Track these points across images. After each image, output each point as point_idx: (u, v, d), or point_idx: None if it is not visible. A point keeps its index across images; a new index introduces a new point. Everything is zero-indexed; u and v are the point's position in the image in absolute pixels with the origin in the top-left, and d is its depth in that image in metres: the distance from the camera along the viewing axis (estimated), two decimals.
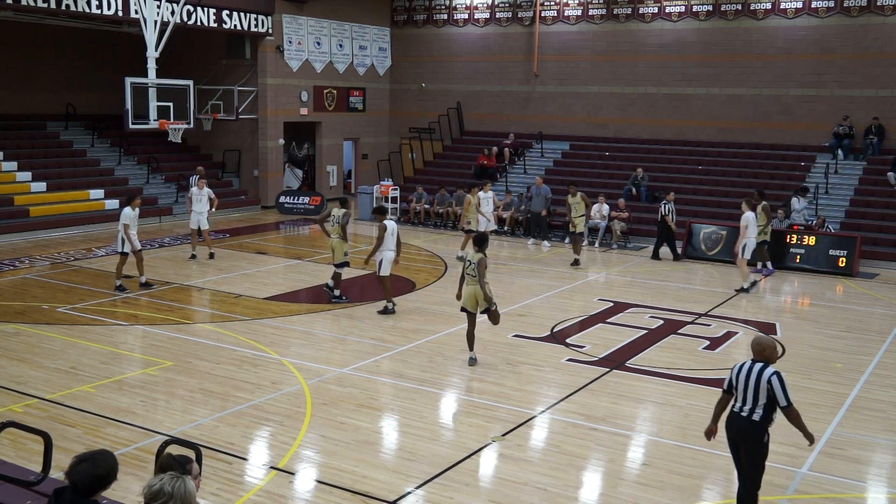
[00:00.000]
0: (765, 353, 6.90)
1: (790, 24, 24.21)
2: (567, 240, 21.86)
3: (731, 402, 6.98)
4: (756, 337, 7.16)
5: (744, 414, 6.81)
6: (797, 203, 20.57)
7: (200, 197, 18.57)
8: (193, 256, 18.54)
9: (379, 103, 31.24)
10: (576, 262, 18.83)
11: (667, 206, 19.81)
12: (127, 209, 15.29)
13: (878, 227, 20.81)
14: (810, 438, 6.96)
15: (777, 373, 6.78)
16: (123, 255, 15.30)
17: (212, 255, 18.57)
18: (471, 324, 11.55)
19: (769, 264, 18.54)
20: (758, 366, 6.82)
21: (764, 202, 18.45)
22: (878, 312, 15.47)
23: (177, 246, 20.25)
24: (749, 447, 6.84)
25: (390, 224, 14.28)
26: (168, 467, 4.68)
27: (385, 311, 14.20)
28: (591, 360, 11.91)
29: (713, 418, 7.20)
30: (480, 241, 11.53)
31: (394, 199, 25.97)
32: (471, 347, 11.63)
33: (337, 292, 14.97)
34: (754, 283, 17.08)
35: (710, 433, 7.23)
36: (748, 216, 16.65)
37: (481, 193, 19.44)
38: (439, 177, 27.30)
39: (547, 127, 27.94)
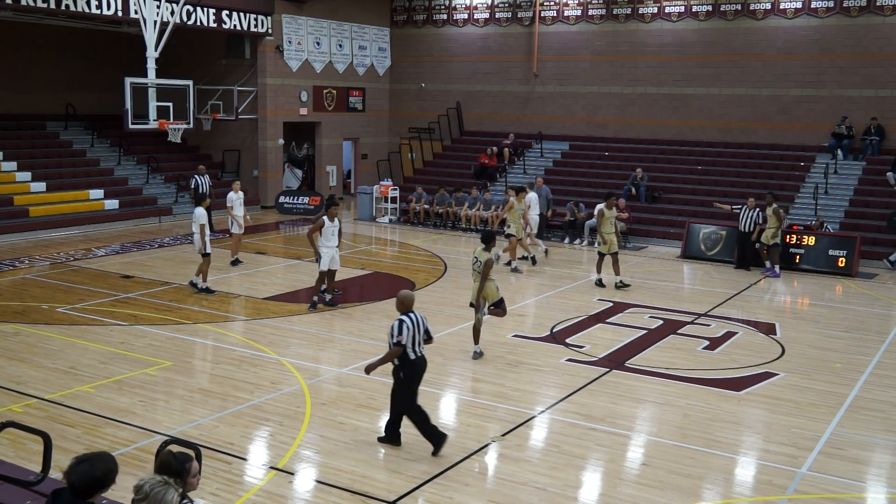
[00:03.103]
0: (412, 304, 8.58)
1: (790, 24, 24.21)
2: (577, 242, 21.90)
3: (408, 351, 8.38)
4: (399, 294, 8.66)
5: (423, 353, 8.60)
6: None
7: (241, 201, 18.02)
8: (238, 262, 18.05)
9: (379, 103, 31.24)
10: (622, 284, 16.48)
11: (740, 211, 19.03)
12: (199, 209, 15.25)
13: (877, 227, 20.81)
14: (370, 369, 8.69)
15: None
16: (206, 255, 15.24)
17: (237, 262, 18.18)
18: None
19: (777, 268, 18.53)
20: (413, 316, 8.47)
21: (775, 204, 18.54)
22: (877, 312, 15.47)
23: (177, 246, 20.25)
24: (422, 377, 8.65)
25: None
26: (167, 464, 4.69)
27: (315, 306, 14.41)
28: (590, 361, 11.92)
29: (384, 362, 8.56)
30: (488, 239, 11.80)
31: (393, 199, 25.97)
32: (476, 341, 11.89)
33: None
34: (520, 262, 18.00)
35: (372, 369, 8.68)
36: (531, 196, 18.54)
37: (530, 195, 18.64)
38: (439, 177, 27.30)
39: (546, 127, 27.94)
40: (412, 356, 8.44)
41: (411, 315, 8.49)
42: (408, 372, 8.48)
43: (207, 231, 15.27)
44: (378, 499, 7.58)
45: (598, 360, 11.91)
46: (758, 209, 18.93)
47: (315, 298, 14.45)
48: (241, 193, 18.06)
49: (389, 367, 8.63)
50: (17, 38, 24.53)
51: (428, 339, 8.65)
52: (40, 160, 23.99)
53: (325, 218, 14.17)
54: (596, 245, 17.62)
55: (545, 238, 22.22)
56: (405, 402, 8.60)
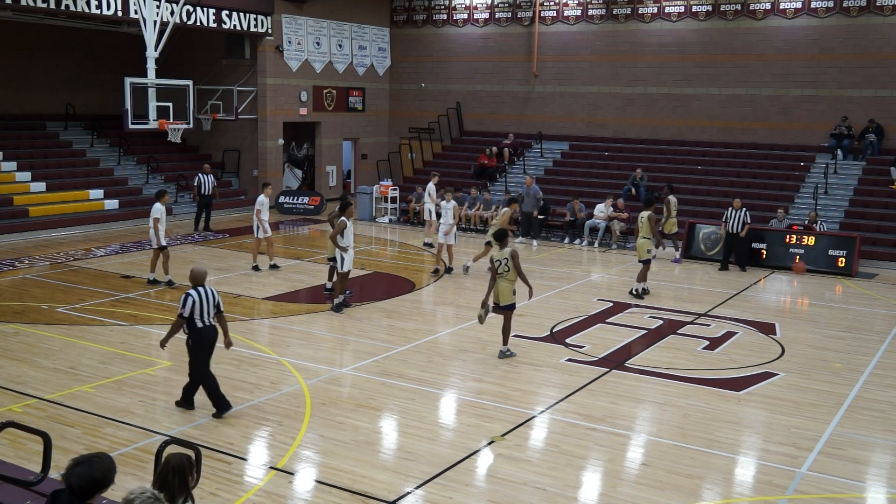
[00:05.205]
0: (203, 279, 9.32)
1: (790, 24, 24.21)
2: (577, 242, 21.90)
3: (196, 321, 9.11)
4: (192, 270, 9.39)
5: (212, 322, 9.29)
6: None
7: (267, 205, 17.49)
8: (276, 266, 17.73)
9: (378, 103, 31.24)
10: (643, 292, 15.89)
11: (726, 213, 19.08)
12: (157, 204, 15.60)
13: (877, 227, 20.81)
14: (163, 343, 9.44)
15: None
16: (156, 249, 15.68)
17: (264, 266, 17.86)
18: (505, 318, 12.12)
19: (678, 254, 19.88)
20: (202, 289, 9.21)
21: (670, 197, 19.80)
22: (877, 312, 15.47)
23: (176, 246, 20.22)
24: (213, 345, 9.35)
25: None
26: (182, 465, 4.72)
27: (341, 308, 14.32)
28: (590, 361, 11.92)
29: (171, 334, 9.27)
30: (502, 236, 12.09)
31: (393, 199, 25.97)
32: (504, 341, 12.04)
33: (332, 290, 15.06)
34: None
35: (165, 342, 9.40)
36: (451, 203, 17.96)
37: (444, 202, 18.29)
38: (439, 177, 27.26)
39: (546, 127, 27.94)
40: (199, 325, 9.15)
41: (199, 289, 9.21)
42: (195, 340, 9.20)
43: (160, 227, 15.47)
44: (378, 499, 7.58)
45: (598, 360, 11.92)
46: (744, 209, 19.04)
47: (342, 297, 14.39)
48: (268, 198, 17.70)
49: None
50: (17, 38, 24.53)
51: (218, 311, 9.33)
52: (40, 160, 23.99)
53: (344, 219, 14.12)
54: (647, 252, 15.73)
55: (543, 238, 22.22)
56: (196, 368, 9.33)
